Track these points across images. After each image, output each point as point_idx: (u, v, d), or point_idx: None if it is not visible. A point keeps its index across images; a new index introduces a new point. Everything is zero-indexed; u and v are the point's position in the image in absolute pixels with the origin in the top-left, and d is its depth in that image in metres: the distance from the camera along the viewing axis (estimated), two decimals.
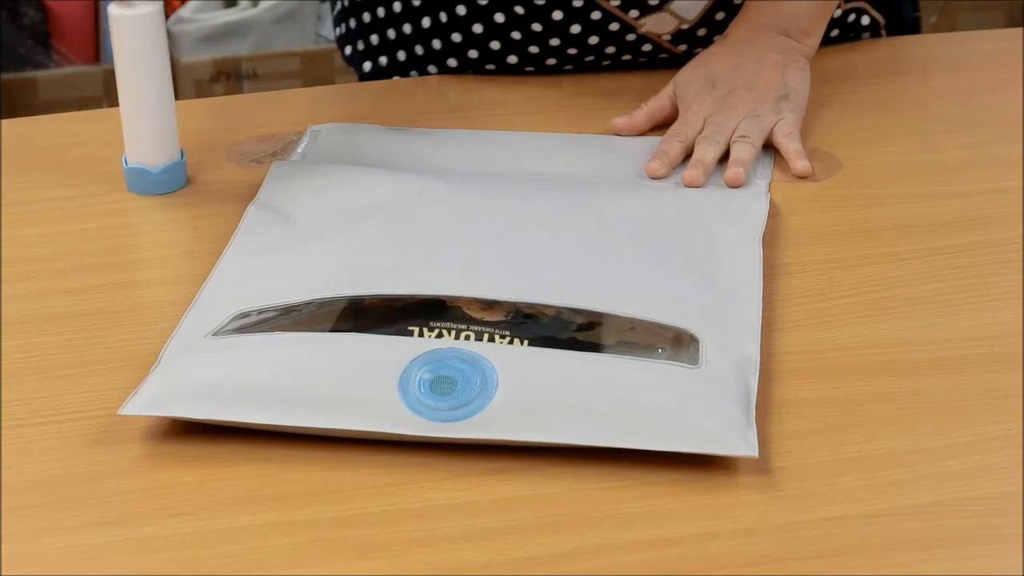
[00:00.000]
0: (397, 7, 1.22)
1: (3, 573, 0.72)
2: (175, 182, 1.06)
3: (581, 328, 0.85)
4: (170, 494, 0.76)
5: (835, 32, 1.25)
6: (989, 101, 1.18)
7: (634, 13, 1.18)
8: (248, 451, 0.79)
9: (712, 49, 1.14)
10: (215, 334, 0.85)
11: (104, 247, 0.99)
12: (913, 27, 1.32)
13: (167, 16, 2.56)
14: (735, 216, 0.98)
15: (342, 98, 1.18)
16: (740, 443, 0.77)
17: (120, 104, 1.04)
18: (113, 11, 1.01)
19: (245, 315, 0.86)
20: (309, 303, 0.86)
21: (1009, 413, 0.81)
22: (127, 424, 0.80)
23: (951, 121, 1.15)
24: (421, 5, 1.21)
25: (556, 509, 0.75)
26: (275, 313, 0.86)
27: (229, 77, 2.52)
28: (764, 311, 0.89)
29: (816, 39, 1.15)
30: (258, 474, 0.77)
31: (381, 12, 1.23)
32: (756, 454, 0.76)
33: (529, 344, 0.83)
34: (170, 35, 2.54)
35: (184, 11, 2.54)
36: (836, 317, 0.90)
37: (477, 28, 1.19)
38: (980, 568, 0.71)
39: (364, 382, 0.80)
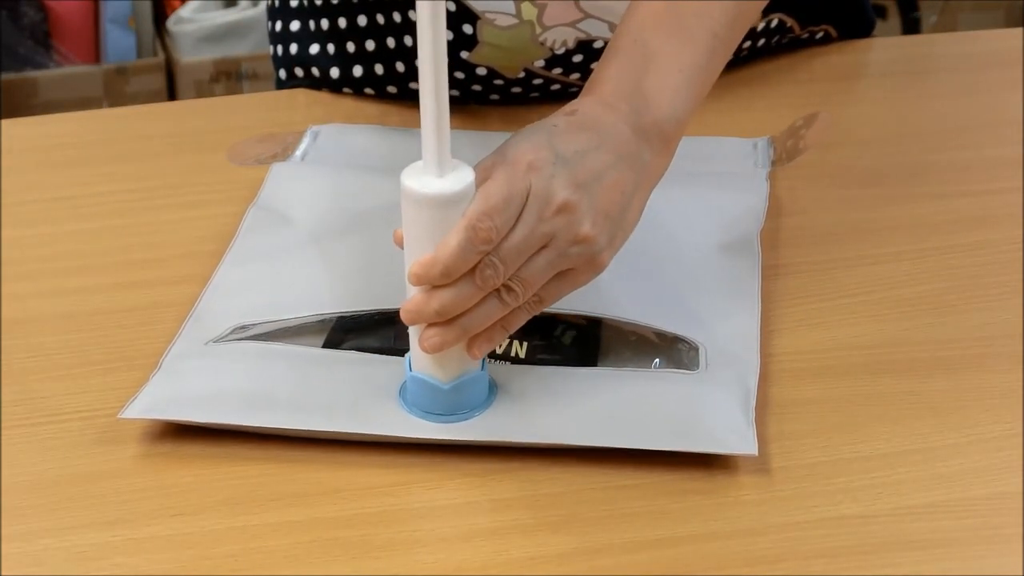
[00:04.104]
0: (325, 23, 1.18)
1: (3, 573, 0.72)
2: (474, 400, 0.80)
3: (581, 331, 0.85)
4: (170, 494, 0.76)
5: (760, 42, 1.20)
6: (989, 101, 1.18)
7: (558, 71, 1.13)
8: (248, 451, 0.79)
9: (558, 121, 0.79)
10: (215, 341, 0.85)
11: (104, 247, 0.99)
12: (866, 29, 1.28)
13: (167, 16, 2.56)
14: (733, 216, 0.98)
15: (342, 98, 1.18)
16: (740, 442, 0.77)
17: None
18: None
19: (244, 327, 0.86)
20: (309, 316, 0.87)
21: (1009, 413, 0.81)
22: (127, 424, 0.80)
23: (951, 121, 1.15)
24: (346, 26, 1.16)
25: (556, 509, 0.75)
26: (274, 328, 0.86)
27: (229, 77, 2.52)
28: (764, 311, 0.89)
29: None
30: (258, 474, 0.77)
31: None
32: (755, 452, 0.76)
33: (528, 348, 0.83)
34: (170, 35, 2.54)
35: (184, 11, 2.54)
36: (836, 317, 0.90)
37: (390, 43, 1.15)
38: (980, 568, 0.71)
39: (364, 392, 0.81)
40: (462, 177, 0.74)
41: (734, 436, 0.77)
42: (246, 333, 0.86)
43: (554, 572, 0.71)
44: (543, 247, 0.76)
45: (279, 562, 0.72)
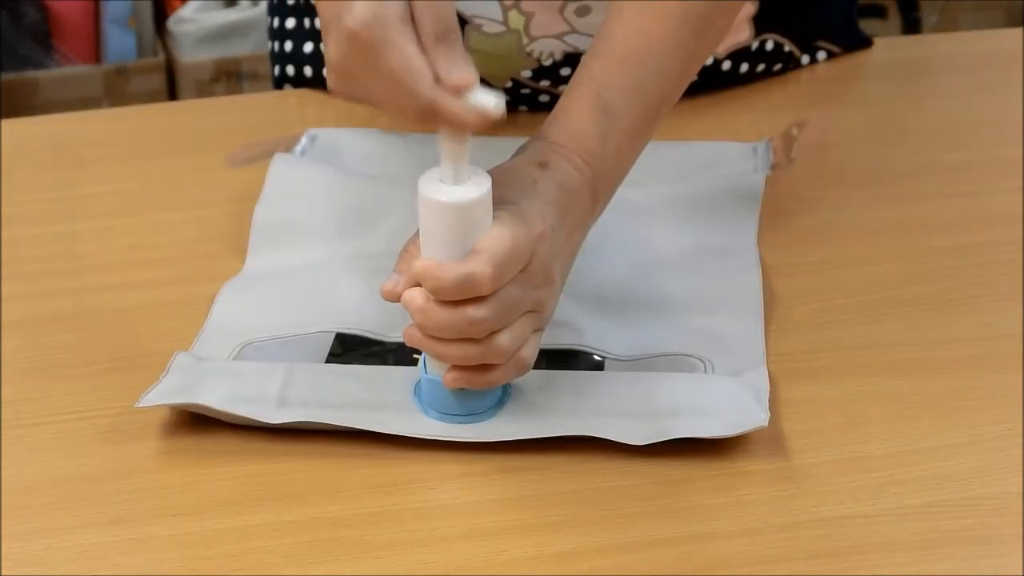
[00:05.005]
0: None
1: (3, 573, 0.72)
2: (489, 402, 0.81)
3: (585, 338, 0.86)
4: (170, 494, 0.76)
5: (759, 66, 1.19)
6: (989, 101, 1.18)
7: (545, 83, 1.13)
8: (249, 451, 0.79)
9: (538, 177, 0.81)
10: (224, 359, 0.85)
11: (104, 247, 0.99)
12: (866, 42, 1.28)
13: (167, 16, 2.56)
14: (732, 217, 0.98)
15: (342, 100, 1.18)
16: (749, 419, 0.77)
17: None
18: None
19: (252, 343, 0.86)
20: (319, 333, 0.87)
21: (1009, 413, 0.81)
22: (127, 424, 0.80)
23: (951, 121, 1.15)
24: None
25: (556, 509, 0.75)
26: (282, 343, 0.87)
27: (229, 77, 2.52)
28: (764, 312, 0.89)
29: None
30: (258, 474, 0.77)
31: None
32: (766, 424, 0.77)
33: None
34: (170, 35, 2.54)
35: (184, 11, 2.54)
36: (836, 317, 0.90)
37: None
38: (980, 568, 0.71)
39: (378, 391, 0.81)
40: (479, 184, 0.74)
41: (743, 415, 0.78)
42: (252, 346, 0.86)
43: (554, 572, 0.71)
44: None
45: (279, 562, 0.72)
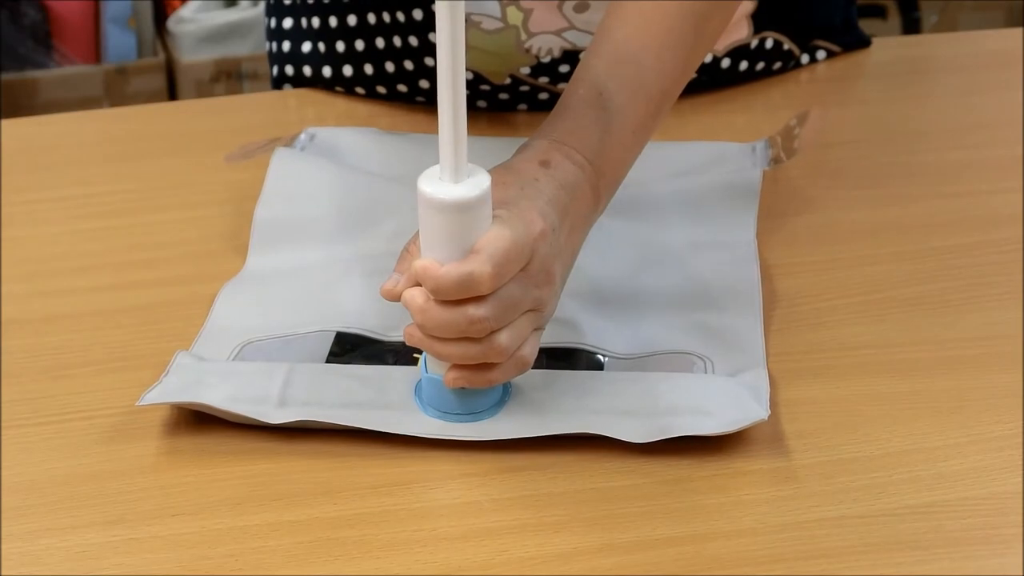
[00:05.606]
0: (316, 22, 1.17)
1: (3, 573, 0.72)
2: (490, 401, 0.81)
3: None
4: (170, 494, 0.76)
5: (758, 65, 1.19)
6: (989, 101, 1.18)
7: (544, 79, 1.13)
8: (249, 451, 0.79)
9: (539, 175, 0.81)
10: (224, 359, 0.85)
11: (104, 247, 0.99)
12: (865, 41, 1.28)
13: (167, 16, 2.56)
14: (731, 217, 0.98)
15: (345, 98, 1.18)
16: (749, 416, 0.77)
17: None
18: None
19: (252, 343, 0.86)
20: (319, 332, 0.87)
21: (1009, 413, 0.81)
22: (127, 424, 0.80)
23: (951, 121, 1.15)
24: (351, 25, 1.15)
25: (556, 509, 0.75)
26: (282, 343, 0.86)
27: (229, 77, 2.52)
28: (764, 312, 0.89)
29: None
30: (258, 474, 0.77)
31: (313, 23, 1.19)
32: (766, 418, 0.77)
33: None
34: (170, 35, 2.54)
35: (184, 11, 2.54)
36: (836, 317, 0.90)
37: (408, 43, 1.14)
38: (980, 568, 0.71)
39: (380, 390, 0.81)
40: (478, 182, 0.74)
41: (743, 412, 0.78)
42: (256, 349, 0.86)
43: (554, 572, 0.71)
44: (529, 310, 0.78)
45: (279, 562, 0.72)
